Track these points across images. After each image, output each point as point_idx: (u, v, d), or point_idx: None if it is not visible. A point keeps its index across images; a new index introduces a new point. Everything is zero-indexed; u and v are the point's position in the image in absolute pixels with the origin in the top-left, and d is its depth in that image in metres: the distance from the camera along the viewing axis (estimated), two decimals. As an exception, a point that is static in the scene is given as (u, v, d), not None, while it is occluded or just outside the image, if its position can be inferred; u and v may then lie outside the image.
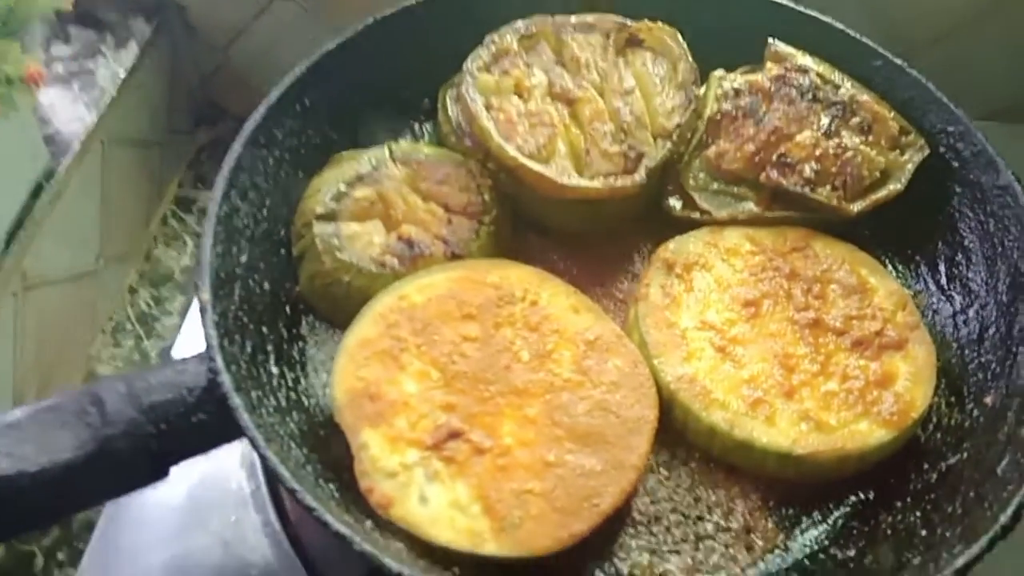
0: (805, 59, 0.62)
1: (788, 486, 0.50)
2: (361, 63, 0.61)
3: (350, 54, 0.60)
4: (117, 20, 1.01)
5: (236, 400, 0.42)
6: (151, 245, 1.04)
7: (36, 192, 0.81)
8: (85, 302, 0.92)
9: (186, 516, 0.53)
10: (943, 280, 0.57)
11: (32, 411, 0.42)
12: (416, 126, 0.66)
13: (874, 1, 0.95)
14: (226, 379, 0.43)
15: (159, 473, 0.44)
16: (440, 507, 0.45)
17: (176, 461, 0.44)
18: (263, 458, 0.41)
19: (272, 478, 0.55)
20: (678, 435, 0.51)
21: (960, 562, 0.39)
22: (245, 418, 0.42)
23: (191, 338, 0.71)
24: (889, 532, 0.46)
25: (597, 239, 0.60)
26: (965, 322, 0.54)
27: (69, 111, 0.93)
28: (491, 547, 0.44)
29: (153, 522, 0.53)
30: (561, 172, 0.56)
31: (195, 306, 0.93)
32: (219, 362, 0.44)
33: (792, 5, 0.64)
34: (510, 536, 0.44)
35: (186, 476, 0.53)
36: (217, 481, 0.55)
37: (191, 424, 0.43)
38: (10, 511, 0.41)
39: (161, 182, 1.09)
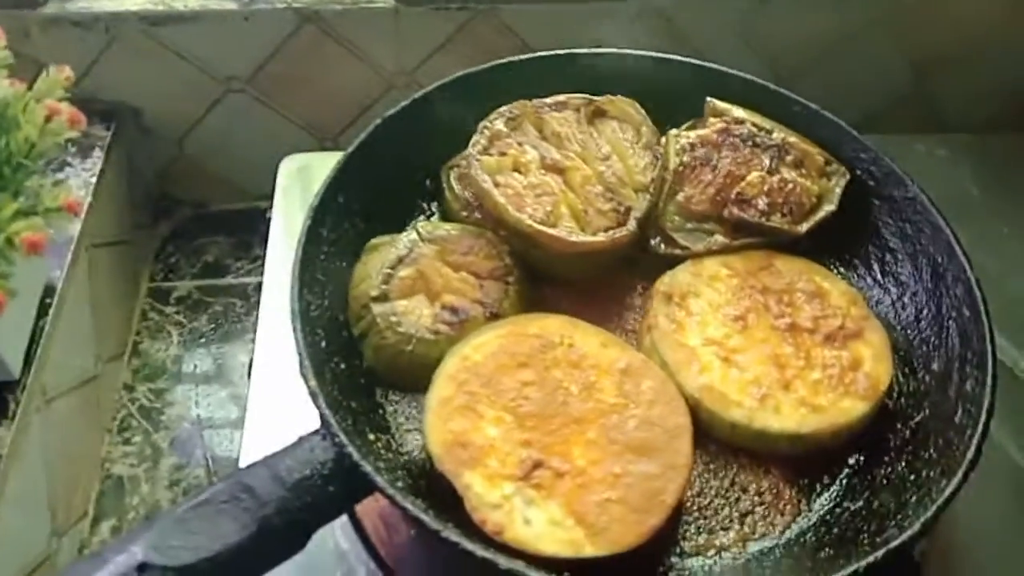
0: (739, 112, 0.75)
1: (799, 460, 0.62)
2: (375, 159, 0.70)
3: (367, 152, 0.69)
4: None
5: (368, 467, 0.50)
6: (137, 340, 1.07)
7: (43, 309, 0.85)
8: (92, 406, 0.96)
9: (300, 580, 0.59)
10: (879, 276, 0.71)
11: (190, 506, 0.49)
12: (424, 205, 0.75)
13: (755, 41, 1.12)
14: (353, 451, 0.51)
15: (304, 543, 0.51)
16: (542, 525, 0.54)
17: (316, 529, 0.52)
18: (404, 510, 0.49)
19: (365, 535, 0.63)
20: (706, 434, 0.62)
21: (948, 492, 0.52)
22: (380, 480, 0.50)
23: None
24: (885, 481, 0.59)
25: (598, 282, 0.71)
26: (903, 307, 0.68)
27: (52, 223, 0.95)
28: (589, 550, 0.53)
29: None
30: (569, 232, 0.67)
31: (192, 394, 0.98)
32: (343, 437, 0.51)
33: (719, 67, 0.78)
34: (602, 538, 0.54)
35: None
36: (319, 545, 0.61)
37: (328, 494, 0.51)
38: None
39: (134, 278, 1.13)
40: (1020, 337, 0.78)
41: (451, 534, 0.48)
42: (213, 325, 1.06)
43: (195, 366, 1.02)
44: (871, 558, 0.49)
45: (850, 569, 0.49)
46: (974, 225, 0.71)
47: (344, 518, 0.62)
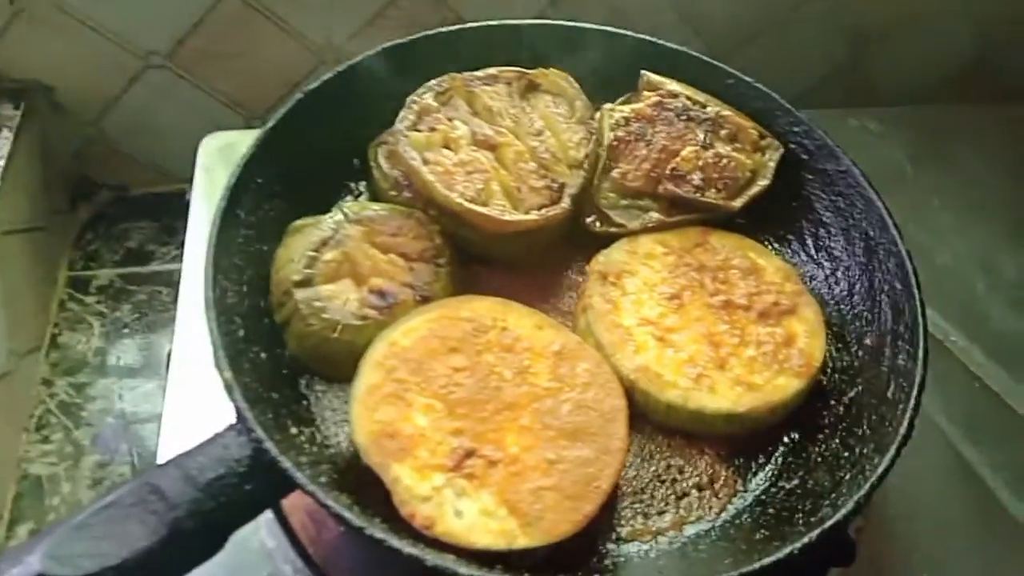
0: (674, 85, 0.74)
1: (735, 440, 0.61)
2: (297, 135, 0.66)
3: (288, 129, 0.65)
4: (-18, 110, 0.98)
5: (287, 463, 0.48)
6: (55, 332, 1.02)
7: (-56, 302, 0.79)
8: (5, 403, 0.91)
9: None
10: (812, 251, 0.71)
11: (94, 511, 0.45)
12: (351, 185, 0.72)
13: (693, 17, 1.11)
14: (271, 446, 0.48)
15: (221, 545, 0.48)
16: (473, 517, 0.52)
17: (233, 531, 0.49)
18: (326, 507, 0.47)
19: (292, 533, 0.60)
20: (641, 416, 0.61)
21: (880, 469, 0.52)
22: (300, 476, 0.47)
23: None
24: (820, 459, 0.58)
25: (533, 262, 0.69)
26: (836, 282, 0.68)
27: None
28: (523, 541, 0.52)
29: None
30: (502, 211, 0.64)
31: (115, 387, 0.93)
32: (260, 432, 0.48)
33: (654, 40, 0.76)
34: (536, 528, 0.52)
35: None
36: (241, 544, 0.58)
37: (245, 493, 0.48)
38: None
39: (51, 266, 1.07)
40: (950, 309, 0.79)
41: (376, 531, 0.46)
42: (137, 315, 1.01)
43: (118, 358, 0.97)
44: (806, 539, 0.49)
45: (785, 551, 0.48)
46: (906, 198, 0.71)
47: (269, 515, 0.60)
